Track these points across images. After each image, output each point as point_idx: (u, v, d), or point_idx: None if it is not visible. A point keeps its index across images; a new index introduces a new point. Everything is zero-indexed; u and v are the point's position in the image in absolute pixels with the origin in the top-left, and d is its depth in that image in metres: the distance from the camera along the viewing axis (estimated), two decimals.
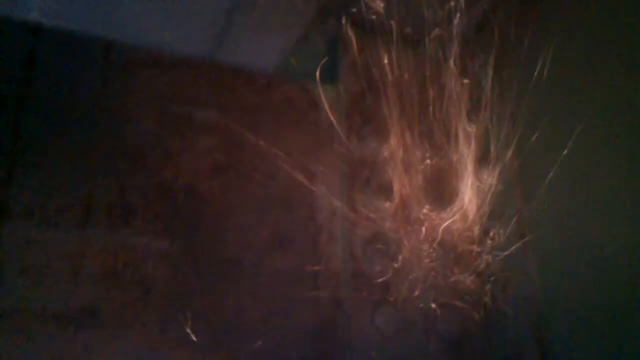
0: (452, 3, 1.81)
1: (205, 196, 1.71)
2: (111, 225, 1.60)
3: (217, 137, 1.77)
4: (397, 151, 1.81)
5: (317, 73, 1.95)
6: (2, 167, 1.56)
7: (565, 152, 1.67)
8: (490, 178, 1.81)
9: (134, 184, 1.65)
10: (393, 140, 1.82)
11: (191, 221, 1.68)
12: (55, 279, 1.52)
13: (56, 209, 1.57)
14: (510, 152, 1.80)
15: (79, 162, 1.63)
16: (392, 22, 1.87)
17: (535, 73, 1.73)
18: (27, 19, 1.74)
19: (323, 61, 1.98)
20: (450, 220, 1.77)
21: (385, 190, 1.80)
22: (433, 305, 1.72)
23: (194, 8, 1.83)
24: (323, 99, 1.89)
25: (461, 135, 1.82)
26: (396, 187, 1.79)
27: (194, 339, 1.53)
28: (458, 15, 1.80)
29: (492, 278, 1.78)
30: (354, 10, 1.90)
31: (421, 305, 1.71)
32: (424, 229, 1.76)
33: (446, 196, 1.83)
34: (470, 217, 1.79)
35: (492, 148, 1.81)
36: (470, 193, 1.81)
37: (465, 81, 1.84)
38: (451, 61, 1.83)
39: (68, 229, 1.56)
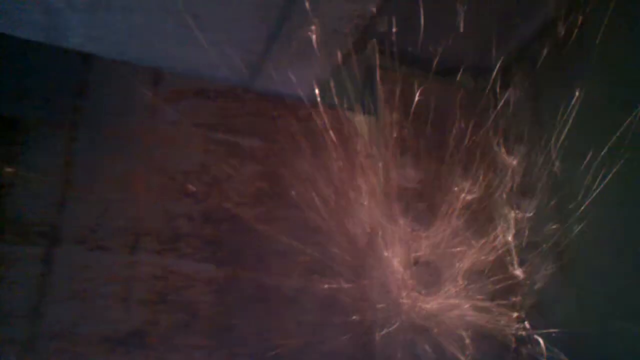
0: (490, 35, 1.85)
1: (249, 223, 1.74)
2: (159, 251, 1.64)
3: (261, 165, 1.81)
4: (435, 180, 1.85)
5: (355, 103, 2.00)
6: (55, 194, 1.60)
7: (602, 181, 1.69)
8: (527, 208, 1.84)
9: (181, 210, 1.69)
10: (431, 169, 1.85)
11: (235, 247, 1.71)
12: (106, 303, 1.56)
13: (107, 234, 1.61)
14: (547, 182, 1.83)
15: (128, 189, 1.67)
16: (430, 53, 1.91)
17: (572, 102, 1.76)
18: (77, 48, 1.80)
19: (361, 91, 2.03)
20: (486, 249, 1.80)
21: (424, 219, 1.83)
22: (470, 334, 1.74)
23: (234, 37, 1.87)
24: (362, 128, 1.94)
25: (498, 165, 1.86)
26: (434, 215, 1.82)
27: None
28: (496, 47, 1.84)
29: (529, 307, 1.80)
30: (391, 41, 1.95)
31: (459, 333, 1.73)
32: (461, 256, 1.79)
33: (483, 225, 1.86)
34: (507, 246, 1.82)
35: (529, 178, 1.84)
36: (507, 222, 1.84)
37: (504, 111, 1.87)
38: (488, 92, 1.87)
39: (118, 254, 1.60)
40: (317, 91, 1.96)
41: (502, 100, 1.98)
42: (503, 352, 1.80)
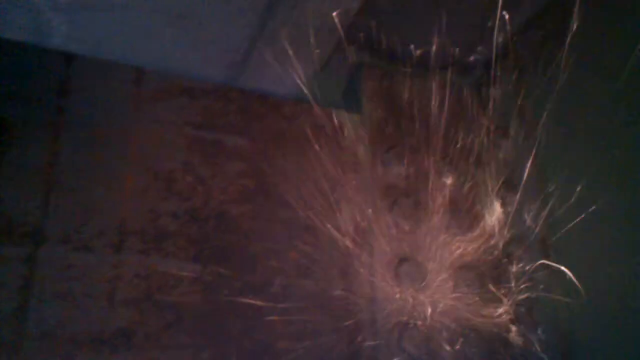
0: (475, 31, 1.86)
1: (234, 221, 1.75)
2: (144, 250, 1.63)
3: (246, 163, 1.81)
4: (421, 176, 1.85)
5: (340, 100, 2.00)
6: (38, 194, 1.60)
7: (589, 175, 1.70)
8: (514, 202, 1.85)
9: (166, 209, 1.69)
10: (417, 165, 1.86)
11: (221, 246, 1.71)
12: (91, 303, 1.55)
13: (91, 234, 1.60)
14: (533, 177, 1.84)
15: (113, 188, 1.67)
16: (414, 50, 1.92)
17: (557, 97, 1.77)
18: (59, 48, 1.79)
19: (346, 89, 2.03)
20: (474, 244, 1.81)
21: (410, 215, 1.84)
22: (459, 329, 1.75)
23: (218, 35, 1.87)
24: (347, 125, 1.94)
25: (484, 160, 1.86)
26: (421, 211, 1.83)
27: None
28: (481, 43, 1.85)
29: (517, 300, 1.80)
30: (376, 38, 1.95)
31: (448, 328, 1.74)
32: (448, 252, 1.80)
33: (470, 220, 1.87)
34: (494, 240, 1.83)
35: (515, 173, 1.85)
36: (493, 217, 1.85)
37: (488, 107, 1.88)
38: (473, 88, 1.87)
39: (103, 253, 1.60)
40: (301, 89, 1.96)
41: (488, 96, 1.99)
42: (492, 347, 1.81)
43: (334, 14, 1.83)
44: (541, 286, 1.80)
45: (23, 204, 1.57)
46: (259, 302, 1.70)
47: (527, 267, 1.81)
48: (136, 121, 1.75)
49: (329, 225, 1.80)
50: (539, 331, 1.78)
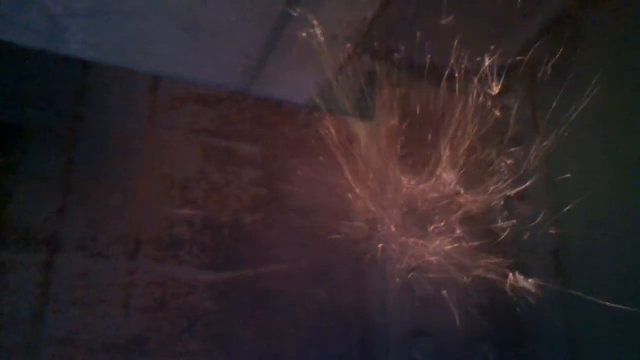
0: (488, 40, 1.86)
1: (248, 229, 1.76)
2: (159, 258, 1.65)
3: (260, 171, 1.82)
4: (434, 184, 1.86)
5: (354, 108, 2.00)
6: (55, 201, 1.61)
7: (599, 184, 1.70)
8: (527, 212, 1.85)
9: (181, 217, 1.70)
10: (430, 174, 1.86)
11: (235, 253, 1.72)
12: (106, 310, 1.57)
13: (107, 241, 1.62)
14: (545, 186, 1.84)
15: (129, 196, 1.68)
16: (428, 59, 1.92)
17: (571, 106, 1.77)
18: (76, 54, 1.80)
19: (360, 97, 2.04)
20: (487, 254, 1.81)
21: (423, 224, 1.84)
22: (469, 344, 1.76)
23: (233, 43, 1.88)
24: (360, 133, 1.94)
25: (498, 169, 1.87)
26: (434, 221, 1.83)
27: None
28: (494, 51, 1.85)
29: (527, 310, 1.81)
30: (390, 47, 1.95)
31: (459, 337, 1.74)
32: (461, 262, 1.80)
33: (484, 230, 1.87)
34: (506, 250, 1.83)
35: (529, 183, 1.85)
36: (507, 228, 1.85)
37: (502, 116, 1.88)
38: (487, 96, 1.87)
39: (118, 260, 1.61)
40: (316, 97, 1.97)
41: (502, 105, 1.99)
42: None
43: (349, 22, 1.84)
44: (551, 300, 1.81)
45: (40, 211, 1.59)
46: (271, 309, 1.71)
47: (538, 276, 1.81)
48: (152, 129, 1.76)
49: (341, 234, 1.81)
50: (550, 346, 1.78)
